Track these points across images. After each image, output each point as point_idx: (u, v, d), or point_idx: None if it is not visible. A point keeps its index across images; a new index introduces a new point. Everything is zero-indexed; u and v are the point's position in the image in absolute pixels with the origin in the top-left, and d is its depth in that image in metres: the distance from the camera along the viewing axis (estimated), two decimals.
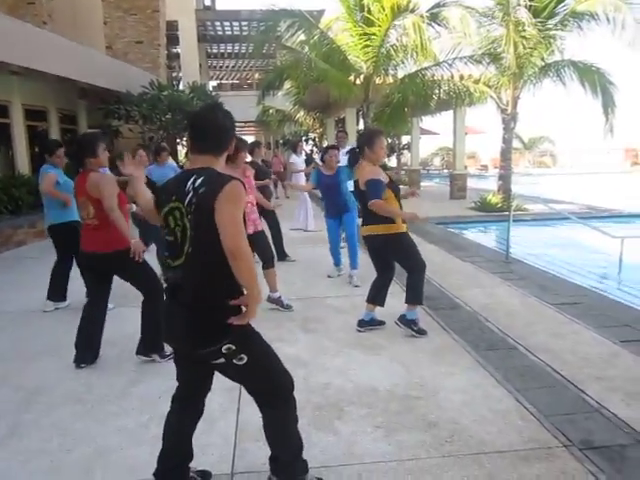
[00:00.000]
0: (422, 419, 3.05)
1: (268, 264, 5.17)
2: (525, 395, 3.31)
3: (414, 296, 4.38)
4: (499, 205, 11.89)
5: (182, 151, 16.75)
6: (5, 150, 11.33)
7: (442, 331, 4.51)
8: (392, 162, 26.83)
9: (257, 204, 5.19)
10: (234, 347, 2.07)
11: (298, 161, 9.56)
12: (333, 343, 4.28)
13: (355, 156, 4.49)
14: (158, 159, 6.81)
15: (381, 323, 4.57)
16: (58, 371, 3.85)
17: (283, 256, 7.32)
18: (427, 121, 19.55)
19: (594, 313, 4.90)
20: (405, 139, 25.18)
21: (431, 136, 28.81)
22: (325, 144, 13.81)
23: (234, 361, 2.09)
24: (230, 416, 3.14)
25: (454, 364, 3.81)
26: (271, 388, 2.27)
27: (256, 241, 4.94)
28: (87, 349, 3.93)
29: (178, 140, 15.78)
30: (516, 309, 5.07)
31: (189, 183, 2.05)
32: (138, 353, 3.97)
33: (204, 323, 2.08)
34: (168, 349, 4.00)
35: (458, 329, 4.52)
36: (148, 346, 3.95)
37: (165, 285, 2.27)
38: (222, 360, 2.09)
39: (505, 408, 3.17)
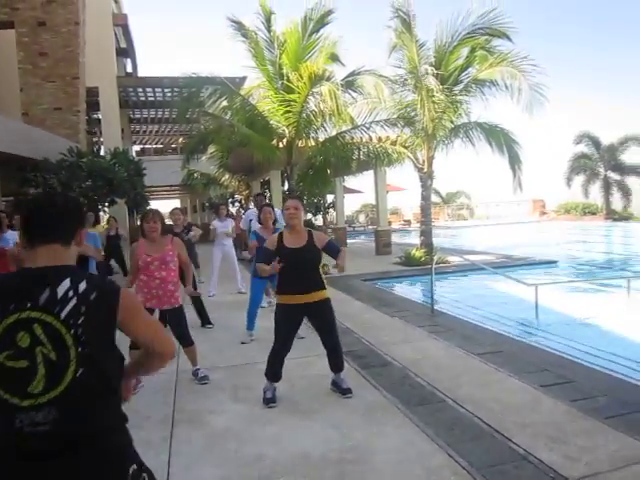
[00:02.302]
0: None
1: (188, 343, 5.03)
2: (456, 449, 3.36)
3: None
4: (422, 259, 12.35)
5: (104, 217, 16.32)
6: None
7: (373, 389, 4.53)
8: (319, 221, 27.38)
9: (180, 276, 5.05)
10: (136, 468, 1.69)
11: (220, 226, 9.53)
12: (264, 411, 4.19)
13: None
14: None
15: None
16: None
17: (206, 322, 7.19)
18: (350, 180, 20.25)
19: (515, 360, 5.12)
20: (330, 198, 25.88)
21: (355, 194, 29.82)
22: (251, 207, 13.92)
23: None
24: None
25: (386, 423, 3.82)
26: None
27: (176, 317, 4.86)
28: None
29: (100, 206, 15.39)
30: (443, 362, 5.21)
31: (63, 287, 1.59)
32: None
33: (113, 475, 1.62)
34: None
35: (388, 386, 4.56)
36: None
37: (14, 439, 1.53)
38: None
39: (438, 464, 3.20)
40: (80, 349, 1.56)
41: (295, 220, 4.28)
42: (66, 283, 1.60)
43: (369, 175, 16.80)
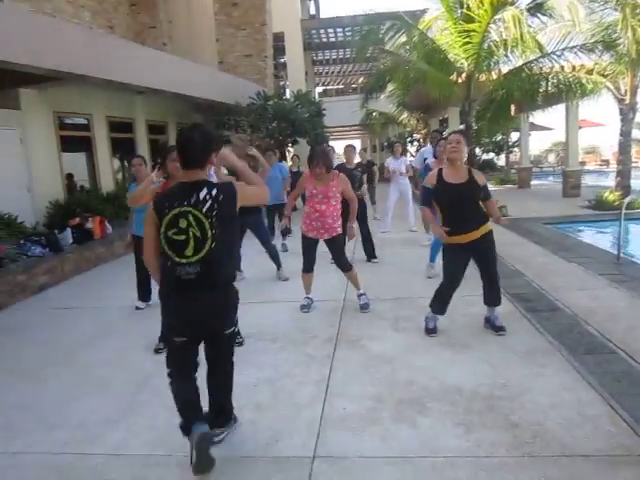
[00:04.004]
0: (504, 419, 3.04)
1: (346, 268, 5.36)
2: (620, 401, 3.16)
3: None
4: (616, 203, 11.04)
5: (289, 154, 17.43)
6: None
7: (537, 334, 4.39)
8: (501, 160, 25.81)
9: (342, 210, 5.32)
10: (235, 320, 2.80)
11: (394, 164, 9.59)
12: (421, 342, 4.35)
13: None
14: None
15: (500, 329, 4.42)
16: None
17: (371, 257, 7.50)
18: (540, 116, 18.48)
19: None
20: (515, 136, 24.09)
21: (544, 132, 27.28)
22: (427, 145, 13.51)
23: (229, 333, 2.78)
24: (317, 406, 3.34)
25: (545, 366, 3.72)
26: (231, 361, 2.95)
27: (334, 245, 5.20)
28: None
29: (284, 146, 16.45)
30: (622, 312, 4.78)
31: (202, 194, 2.56)
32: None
33: (228, 303, 2.71)
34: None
35: (555, 332, 4.37)
36: None
37: (176, 279, 2.57)
38: (228, 332, 2.76)
39: (596, 413, 3.06)
40: (213, 231, 2.55)
41: (456, 154, 4.18)
42: (204, 191, 2.58)
43: (560, 110, 15.23)
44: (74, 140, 10.43)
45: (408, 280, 6.38)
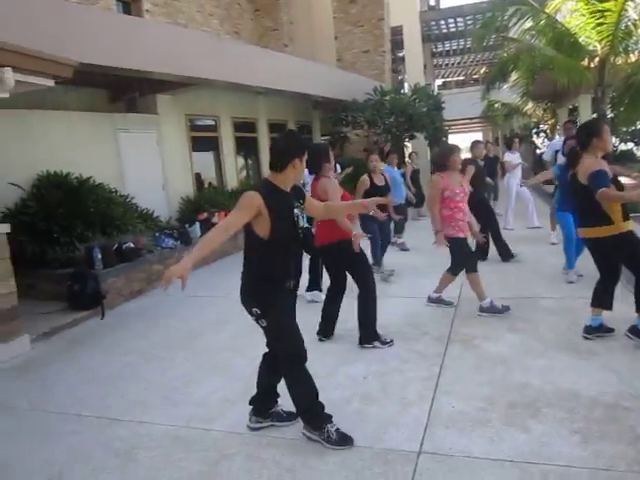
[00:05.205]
0: (629, 431, 2.82)
1: (467, 270, 5.09)
2: None
3: None
4: None
5: (407, 151, 17.25)
6: (256, 160, 13.25)
7: None
8: None
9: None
10: (259, 311, 2.83)
11: (513, 158, 9.14)
12: (539, 344, 4.14)
13: (574, 156, 4.27)
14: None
15: (610, 330, 4.15)
16: None
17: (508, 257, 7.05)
18: None
19: None
20: None
21: None
22: (557, 137, 12.65)
23: (259, 322, 2.88)
24: (424, 403, 3.33)
25: None
26: (280, 351, 2.97)
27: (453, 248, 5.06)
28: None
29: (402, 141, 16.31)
30: None
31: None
32: (360, 343, 4.40)
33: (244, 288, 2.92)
34: (388, 337, 4.39)
35: None
36: (370, 335, 4.38)
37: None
38: (253, 318, 2.89)
39: None
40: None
41: None
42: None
43: None
44: (203, 140, 11.22)
45: (528, 279, 6.08)
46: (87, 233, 6.72)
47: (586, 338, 4.14)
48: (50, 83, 5.21)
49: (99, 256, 6.41)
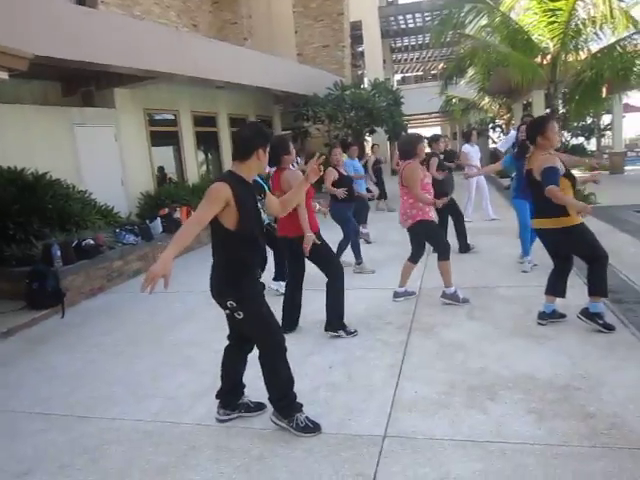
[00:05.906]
0: (580, 409, 2.99)
1: (440, 257, 5.21)
2: None
3: (597, 288, 4.12)
4: None
5: (368, 145, 17.43)
6: (216, 155, 13.15)
7: (621, 326, 4.21)
8: (592, 145, 24.33)
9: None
10: (234, 304, 2.86)
11: (471, 150, 9.38)
12: (496, 330, 4.32)
13: (523, 149, 4.44)
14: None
15: (563, 316, 4.37)
16: None
17: (466, 248, 7.23)
18: (636, 96, 17.22)
19: None
20: (608, 118, 22.59)
21: None
22: (512, 131, 12.99)
23: (234, 314, 2.89)
24: (389, 389, 3.44)
25: (627, 359, 3.59)
26: (260, 342, 2.99)
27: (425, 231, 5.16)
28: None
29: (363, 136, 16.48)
30: None
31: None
32: (326, 330, 4.50)
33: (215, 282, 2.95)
34: (352, 327, 4.48)
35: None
36: (336, 322, 4.47)
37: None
38: (228, 312, 2.93)
39: None
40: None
41: None
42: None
43: None
44: (163, 135, 11.07)
45: (486, 269, 6.29)
46: (45, 230, 6.57)
47: (540, 324, 4.34)
48: (4, 76, 5.07)
49: (58, 253, 6.27)
